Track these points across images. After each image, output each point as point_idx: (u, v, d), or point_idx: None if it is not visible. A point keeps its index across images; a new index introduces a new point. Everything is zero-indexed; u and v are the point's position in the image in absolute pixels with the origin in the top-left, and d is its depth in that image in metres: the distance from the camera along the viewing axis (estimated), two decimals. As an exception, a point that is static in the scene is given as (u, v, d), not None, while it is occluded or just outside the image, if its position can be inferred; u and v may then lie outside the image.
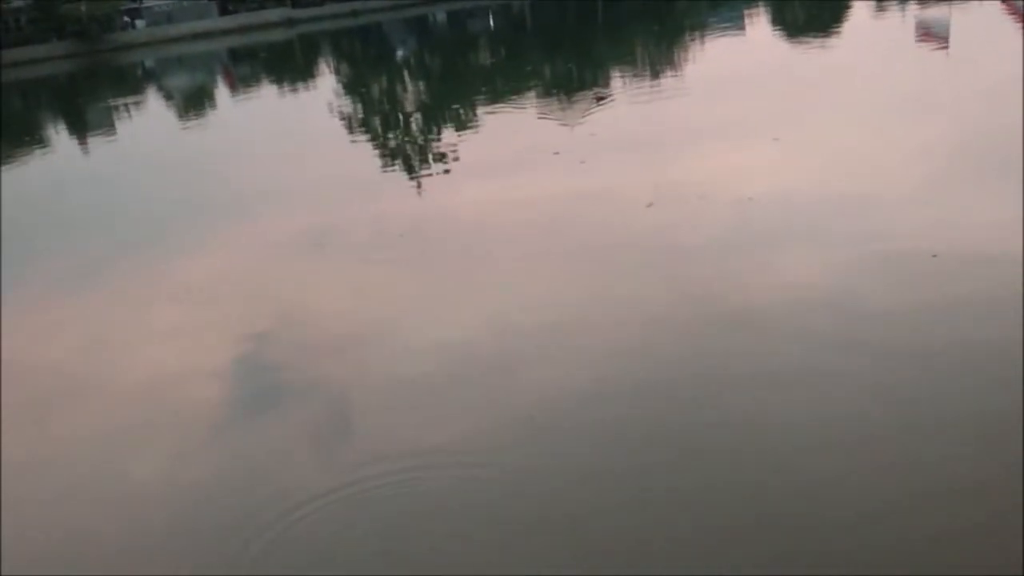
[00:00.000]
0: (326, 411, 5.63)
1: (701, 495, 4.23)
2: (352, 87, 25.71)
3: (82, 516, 4.88)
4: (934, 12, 21.55)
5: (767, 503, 4.10)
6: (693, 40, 25.42)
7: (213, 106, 26.18)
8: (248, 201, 11.68)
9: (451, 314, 6.73)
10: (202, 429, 5.62)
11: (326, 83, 27.95)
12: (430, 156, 13.29)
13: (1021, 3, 18.66)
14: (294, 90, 27.04)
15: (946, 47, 16.16)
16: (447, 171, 11.93)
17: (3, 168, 18.04)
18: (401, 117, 18.41)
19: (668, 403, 5.09)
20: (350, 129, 17.29)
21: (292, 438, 5.33)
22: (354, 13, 63.70)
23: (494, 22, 48.75)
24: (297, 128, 18.63)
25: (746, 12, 29.31)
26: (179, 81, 34.80)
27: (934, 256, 6.41)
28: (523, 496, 4.41)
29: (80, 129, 23.84)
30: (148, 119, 25.31)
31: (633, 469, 4.51)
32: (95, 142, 20.71)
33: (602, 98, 15.76)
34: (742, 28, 26.27)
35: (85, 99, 31.45)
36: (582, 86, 18.73)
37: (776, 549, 3.77)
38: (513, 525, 4.22)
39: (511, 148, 12.52)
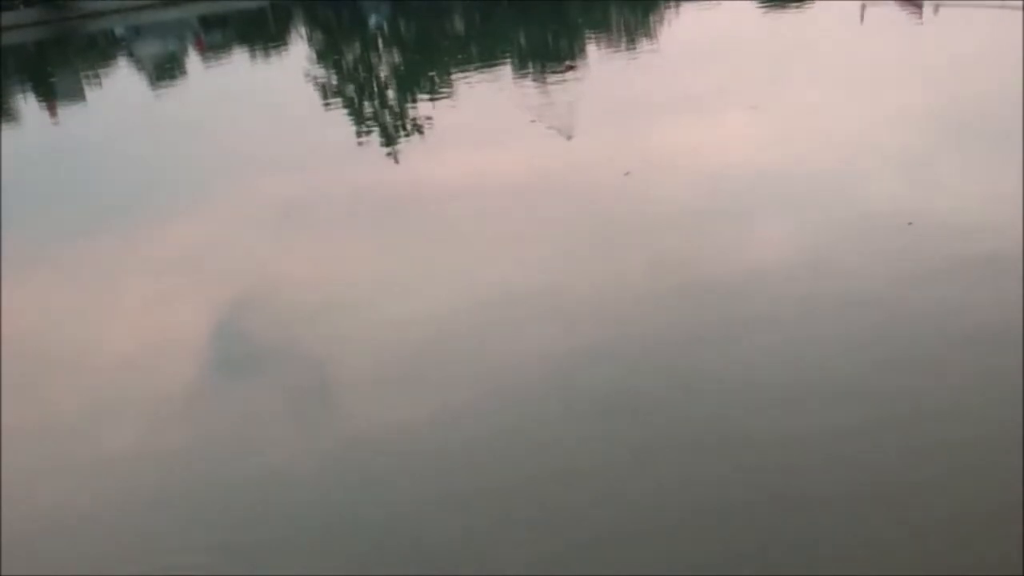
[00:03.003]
0: (302, 380, 5.59)
1: (677, 467, 4.23)
2: (325, 55, 25.41)
3: (62, 487, 4.84)
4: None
5: (744, 484, 4.08)
6: (668, 8, 25.28)
7: (184, 74, 25.81)
8: (222, 170, 11.56)
9: (427, 283, 6.69)
10: (179, 398, 5.58)
11: (299, 51, 27.62)
12: (406, 124, 13.18)
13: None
14: (267, 58, 26.69)
15: (919, 14, 16.18)
16: (423, 139, 11.84)
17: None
18: (376, 85, 18.22)
19: (645, 371, 5.10)
20: (324, 97, 17.10)
21: (269, 407, 5.30)
22: (327, -21, 62.74)
23: (469, -11, 48.18)
24: (270, 96, 18.40)
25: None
26: (149, 48, 34.25)
27: (910, 224, 6.43)
28: (497, 465, 4.41)
29: (49, 98, 23.44)
30: (118, 87, 24.92)
31: (608, 437, 4.51)
32: (65, 111, 20.38)
33: (572, 67, 15.66)
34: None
35: (54, 67, 30.90)
36: (558, 54, 18.61)
37: (759, 538, 3.73)
38: (488, 494, 4.22)
39: (486, 117, 12.43)
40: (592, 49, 18.62)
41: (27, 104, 23.43)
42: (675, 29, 20.63)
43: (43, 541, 4.43)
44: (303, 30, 36.49)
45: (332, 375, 5.66)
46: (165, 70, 27.11)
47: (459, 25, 30.20)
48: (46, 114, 20.79)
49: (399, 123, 13.43)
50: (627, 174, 8.45)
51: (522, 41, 22.08)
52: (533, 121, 11.18)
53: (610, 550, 3.77)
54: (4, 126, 19.20)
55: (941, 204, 6.81)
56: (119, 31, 46.59)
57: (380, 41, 28.25)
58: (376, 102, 16.09)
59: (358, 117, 14.61)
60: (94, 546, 4.33)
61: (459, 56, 20.87)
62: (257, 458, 4.79)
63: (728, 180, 7.91)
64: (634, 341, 5.42)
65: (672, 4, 25.47)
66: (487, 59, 18.74)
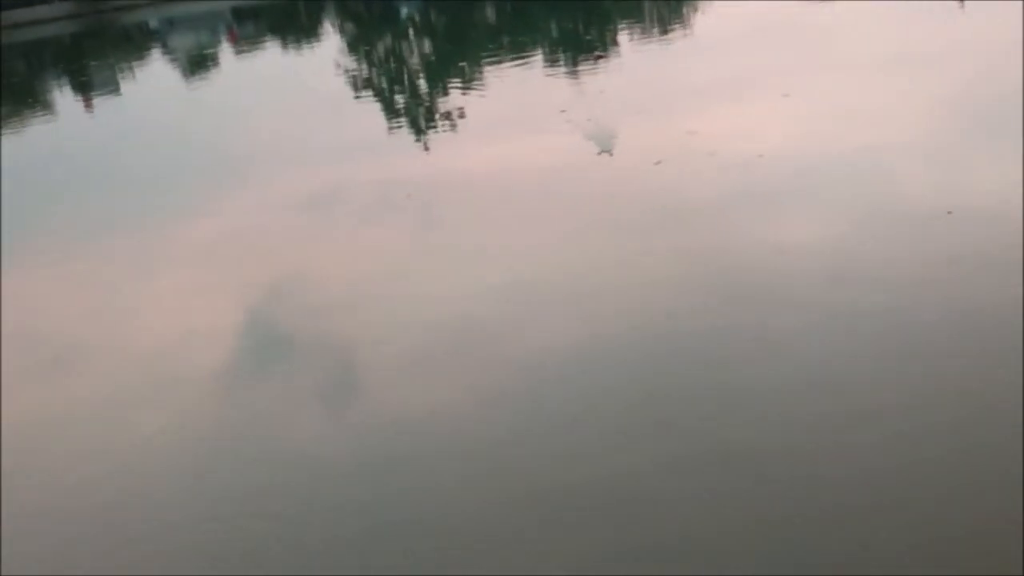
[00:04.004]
0: (330, 371, 5.61)
1: (696, 461, 4.18)
2: (356, 46, 25.47)
3: (91, 475, 4.87)
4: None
5: (759, 480, 4.01)
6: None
7: (217, 65, 25.98)
8: (253, 161, 11.61)
9: (457, 272, 6.68)
10: (210, 385, 5.61)
11: (330, 42, 27.70)
12: (436, 115, 13.17)
13: None
14: (298, 49, 26.79)
15: (961, 1, 15.90)
16: (453, 130, 11.82)
17: (7, 130, 17.94)
18: (407, 76, 18.23)
19: (674, 361, 5.06)
20: (355, 89, 17.13)
21: (296, 398, 5.31)
22: (358, -29, 62.88)
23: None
24: (302, 88, 18.47)
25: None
26: (183, 40, 34.52)
27: (949, 213, 6.32)
28: (521, 453, 4.39)
29: (85, 90, 23.68)
30: (153, 79, 25.15)
31: (635, 428, 4.47)
32: (100, 103, 20.57)
33: (603, 57, 15.57)
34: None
35: (89, 59, 31.23)
36: (589, 44, 18.51)
37: (764, 538, 3.65)
38: (510, 485, 4.20)
39: (517, 106, 12.39)
40: (624, 39, 18.49)
41: (63, 96, 23.70)
42: (707, 17, 20.43)
43: (75, 523, 4.47)
44: (335, 22, 36.60)
45: (361, 363, 5.66)
46: (198, 62, 27.30)
47: (491, 15, 30.13)
48: (81, 105, 21.01)
49: (430, 114, 13.42)
50: (658, 163, 8.38)
51: (554, 31, 21.97)
52: (564, 111, 11.12)
53: (634, 539, 3.74)
54: (41, 117, 19.42)
55: (981, 193, 6.68)
56: (153, 23, 46.99)
57: (411, 32, 28.26)
58: (407, 93, 16.10)
59: (389, 108, 14.62)
60: (127, 527, 4.36)
61: (490, 46, 20.81)
62: (286, 445, 4.80)
63: (761, 169, 7.82)
64: (664, 330, 5.38)
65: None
66: (518, 49, 18.66)
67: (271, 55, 26.41)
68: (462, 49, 20.88)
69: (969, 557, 3.37)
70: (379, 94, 16.28)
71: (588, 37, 20.43)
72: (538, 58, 17.09)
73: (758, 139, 8.61)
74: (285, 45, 29.01)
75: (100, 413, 5.52)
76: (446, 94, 14.91)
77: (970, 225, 6.12)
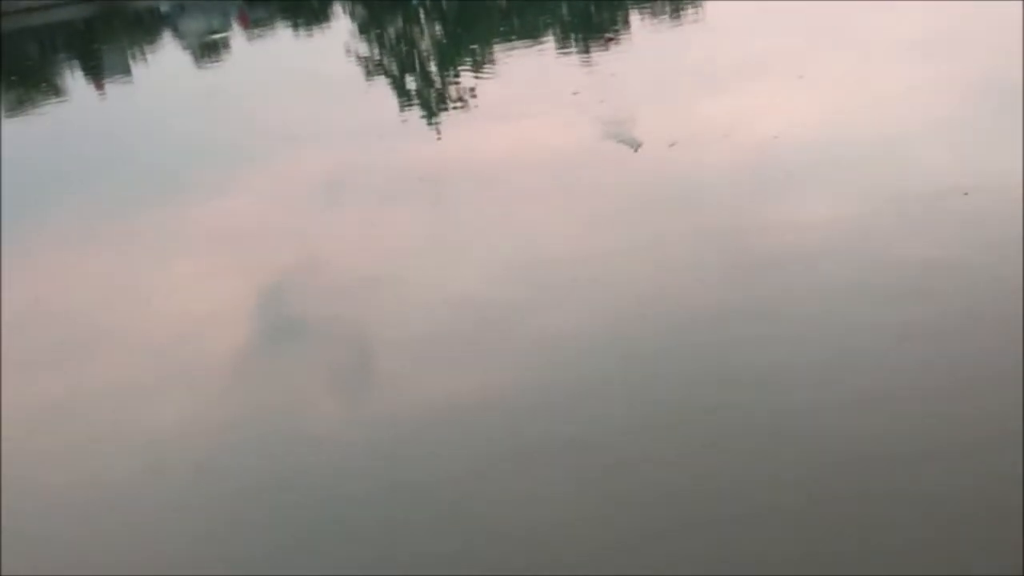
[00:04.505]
0: (345, 354, 5.61)
1: (709, 447, 4.17)
2: (367, 29, 25.39)
3: (106, 459, 4.90)
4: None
5: (773, 462, 4.01)
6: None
7: (228, 49, 25.94)
8: (265, 145, 11.59)
9: (471, 254, 6.68)
10: (225, 369, 5.63)
11: (341, 25, 27.63)
12: (448, 98, 13.13)
13: None
14: (309, 33, 26.73)
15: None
16: (466, 113, 11.79)
17: (19, 114, 17.97)
18: (418, 59, 18.18)
19: (691, 345, 5.04)
20: (367, 72, 17.09)
21: (315, 379, 5.32)
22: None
23: (511, -39, 47.82)
24: (313, 71, 18.42)
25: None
26: (194, 25, 34.46)
27: (965, 194, 6.28)
28: (538, 436, 4.39)
29: (97, 74, 23.69)
30: (164, 63, 25.15)
31: (654, 411, 4.47)
32: (112, 87, 20.59)
33: (615, 39, 15.48)
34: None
35: (101, 44, 31.23)
36: (601, 26, 18.41)
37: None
38: (528, 464, 4.20)
39: (530, 89, 12.33)
40: (636, 21, 18.38)
41: (75, 80, 23.71)
42: (720, -1, 20.30)
43: (87, 509, 4.50)
44: (345, 5, 36.49)
45: (375, 346, 5.66)
46: (210, 46, 27.27)
47: (502, -3, 29.97)
48: (93, 89, 21.02)
49: (442, 97, 13.38)
50: (673, 145, 8.34)
51: (565, 13, 21.85)
52: (576, 93, 11.07)
53: (653, 521, 3.74)
54: (54, 102, 19.45)
55: (997, 174, 6.63)
56: (164, 8, 46.89)
57: (422, 15, 28.16)
58: (418, 76, 16.05)
59: (401, 91, 14.58)
60: (137, 514, 4.38)
61: (502, 29, 20.72)
62: (303, 430, 4.81)
63: (775, 150, 7.78)
64: (681, 311, 5.37)
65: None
66: (530, 32, 18.57)
67: (282, 39, 26.37)
68: (473, 32, 20.79)
69: (969, 556, 3.32)
70: (390, 78, 16.24)
71: (600, 19, 20.31)
72: (550, 41, 17.01)
73: (773, 120, 8.57)
74: (296, 29, 28.95)
75: (113, 400, 5.54)
76: (458, 77, 14.86)
77: (986, 205, 6.07)
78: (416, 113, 12.54)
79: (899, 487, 3.70)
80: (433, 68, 16.81)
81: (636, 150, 7.78)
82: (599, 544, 3.66)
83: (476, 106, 12.00)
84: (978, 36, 11.29)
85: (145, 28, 38.06)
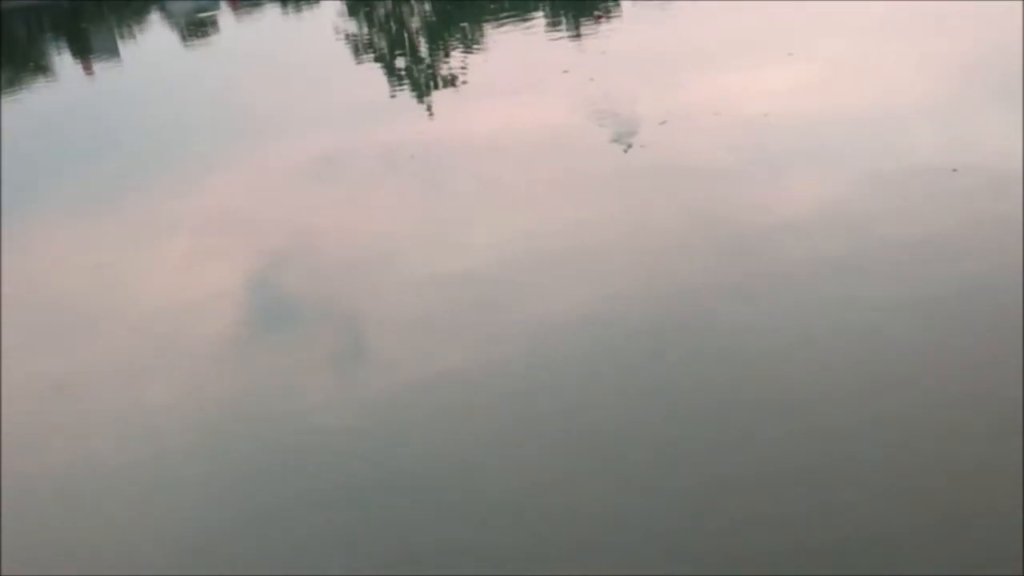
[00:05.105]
0: (338, 333, 5.62)
1: (698, 431, 4.19)
2: (356, 8, 25.24)
3: (98, 442, 4.90)
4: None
5: (756, 438, 4.02)
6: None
7: (217, 30, 25.78)
8: (255, 125, 11.56)
9: (461, 235, 6.68)
10: (216, 352, 5.63)
11: (330, 4, 27.45)
12: (438, 77, 13.09)
13: None
14: (299, 12, 26.57)
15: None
16: (455, 91, 11.76)
17: (7, 95, 17.85)
18: (408, 38, 18.10)
19: (681, 324, 5.06)
20: (356, 51, 17.01)
21: (306, 361, 5.33)
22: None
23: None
24: (302, 51, 18.35)
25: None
26: (182, 4, 34.21)
27: (954, 171, 6.30)
28: (532, 418, 4.42)
29: (84, 55, 23.53)
30: (152, 43, 24.99)
31: (638, 393, 4.49)
32: (100, 67, 20.45)
33: (606, 17, 15.44)
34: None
35: (88, 24, 30.99)
36: (591, 4, 18.33)
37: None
38: (518, 445, 4.23)
39: (520, 67, 12.30)
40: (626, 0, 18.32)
41: (63, 61, 23.56)
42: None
43: (74, 494, 4.51)
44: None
45: (368, 324, 5.67)
46: (198, 26, 27.09)
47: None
48: (80, 70, 20.89)
49: (432, 75, 13.34)
50: (663, 123, 8.34)
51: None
52: (566, 71, 11.05)
53: (642, 506, 3.77)
54: (42, 82, 19.32)
55: (984, 151, 6.65)
56: (152, -13, 46.42)
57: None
58: (408, 55, 15.99)
59: (390, 70, 14.53)
60: (128, 498, 4.39)
61: (491, 6, 20.61)
62: (297, 409, 4.82)
63: (765, 129, 7.78)
64: (670, 289, 5.39)
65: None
66: (520, 10, 18.48)
67: (271, 19, 26.21)
68: (463, 10, 20.67)
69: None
70: (380, 57, 16.17)
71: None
72: (540, 19, 16.94)
73: (763, 98, 8.57)
74: (285, 8, 28.76)
75: (106, 381, 5.54)
76: (447, 56, 14.81)
77: (974, 182, 6.10)
78: (406, 92, 12.50)
79: (894, 478, 3.66)
80: (423, 47, 16.74)
81: (626, 149, 7.75)
82: (593, 525, 3.69)
83: (466, 84, 11.97)
84: (966, 15, 11.28)
85: (133, 8, 37.76)
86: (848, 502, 3.53)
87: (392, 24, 20.93)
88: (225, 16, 28.82)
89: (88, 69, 20.66)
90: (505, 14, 18.19)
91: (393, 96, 12.28)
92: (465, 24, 17.91)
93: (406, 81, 13.29)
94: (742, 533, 3.48)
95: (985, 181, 6.09)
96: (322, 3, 28.48)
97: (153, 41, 25.33)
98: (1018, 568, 3.13)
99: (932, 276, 5.06)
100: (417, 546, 3.69)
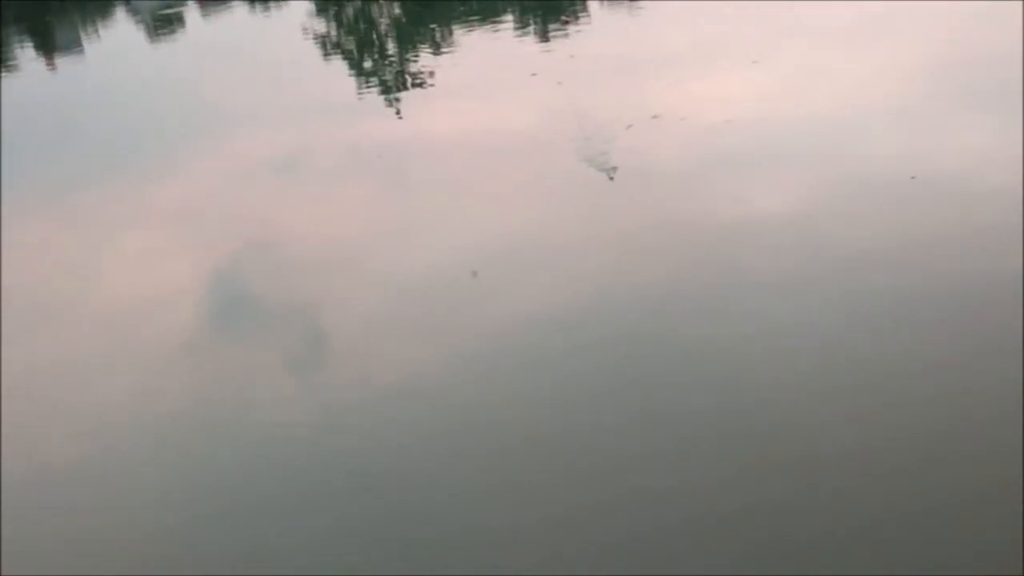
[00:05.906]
0: (301, 331, 5.61)
1: (667, 424, 4.23)
2: (325, 7, 25.13)
3: (57, 441, 4.86)
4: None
5: (721, 434, 4.08)
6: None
7: (183, 26, 25.55)
8: (222, 122, 11.49)
9: (428, 235, 6.69)
10: (177, 349, 5.59)
11: (299, 3, 27.30)
12: (407, 78, 13.07)
13: None
14: (266, 11, 26.40)
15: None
16: (424, 92, 11.75)
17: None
18: (377, 38, 18.05)
19: (640, 327, 5.10)
20: (325, 51, 16.94)
21: (267, 360, 5.31)
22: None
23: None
24: (270, 49, 18.24)
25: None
26: (147, 3, 33.88)
27: (912, 178, 6.40)
28: (498, 418, 4.44)
29: (47, 49, 23.23)
30: (117, 39, 24.72)
31: (605, 390, 4.53)
32: (63, 62, 20.21)
33: (574, 20, 15.50)
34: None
35: (53, 18, 30.60)
36: (559, 8, 18.38)
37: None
38: (488, 446, 4.24)
39: (488, 69, 12.32)
40: (594, 3, 18.38)
41: (25, 54, 23.23)
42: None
43: (47, 489, 4.47)
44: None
45: (332, 324, 5.67)
46: (164, 22, 26.82)
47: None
48: (44, 65, 20.61)
49: (400, 76, 13.32)
50: (629, 127, 8.40)
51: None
52: (534, 74, 11.09)
53: (612, 503, 3.80)
54: (3, 76, 19.05)
55: (944, 158, 6.77)
56: (118, -18, 45.87)
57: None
58: (377, 55, 15.95)
59: (359, 70, 14.49)
60: (90, 496, 4.36)
61: (461, 8, 20.62)
62: (255, 409, 4.81)
63: (730, 134, 7.86)
64: (635, 290, 5.43)
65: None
66: (489, 12, 18.51)
67: (238, 16, 26.01)
68: (433, 11, 20.66)
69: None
70: (348, 56, 16.12)
71: (558, 1, 20.28)
72: (509, 22, 16.97)
73: (728, 104, 8.65)
74: (253, 7, 28.56)
75: (65, 374, 5.49)
76: (416, 56, 14.79)
77: (932, 190, 6.20)
78: (374, 92, 12.47)
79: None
80: (391, 47, 16.71)
81: (592, 152, 7.79)
82: (557, 526, 3.72)
83: (434, 85, 11.95)
84: (929, 24, 11.45)
85: (98, 3, 37.33)
86: (826, 494, 3.59)
87: (361, 24, 20.86)
88: (192, 13, 28.58)
89: (51, 63, 20.39)
90: (474, 16, 18.21)
91: (361, 96, 12.25)
92: (434, 26, 17.89)
93: (374, 81, 13.27)
94: (718, 530, 3.54)
95: (941, 188, 6.19)
96: (290, 2, 28.33)
97: (118, 37, 25.05)
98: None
99: (895, 274, 5.15)
100: (380, 544, 3.70)
